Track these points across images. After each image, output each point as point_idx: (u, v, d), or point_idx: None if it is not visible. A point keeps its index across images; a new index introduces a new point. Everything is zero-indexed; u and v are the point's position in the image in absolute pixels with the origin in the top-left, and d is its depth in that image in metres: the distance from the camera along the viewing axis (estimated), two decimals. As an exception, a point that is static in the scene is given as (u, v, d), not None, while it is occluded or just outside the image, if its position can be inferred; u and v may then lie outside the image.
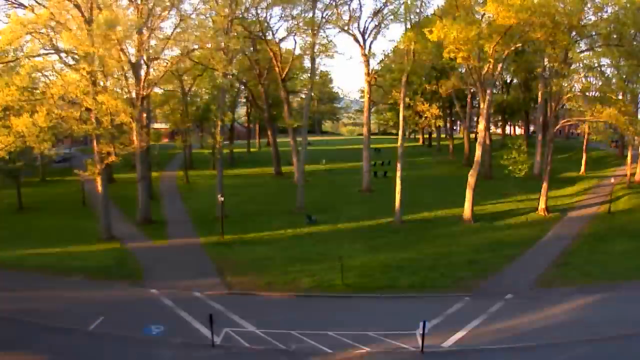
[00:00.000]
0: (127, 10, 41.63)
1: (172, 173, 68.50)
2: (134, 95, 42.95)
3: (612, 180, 49.24)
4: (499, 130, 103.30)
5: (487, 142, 58.31)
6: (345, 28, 50.64)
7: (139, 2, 38.46)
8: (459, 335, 24.99)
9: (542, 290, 30.08)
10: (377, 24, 50.98)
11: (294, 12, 52.73)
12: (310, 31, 47.08)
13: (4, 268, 33.25)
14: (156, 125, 78.27)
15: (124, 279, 31.63)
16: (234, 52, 46.90)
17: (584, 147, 67.29)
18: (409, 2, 41.79)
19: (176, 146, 67.45)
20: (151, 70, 42.67)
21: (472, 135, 77.45)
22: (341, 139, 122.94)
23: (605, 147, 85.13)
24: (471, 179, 43.58)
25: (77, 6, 35.16)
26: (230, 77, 53.96)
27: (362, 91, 72.65)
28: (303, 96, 76.84)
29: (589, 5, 39.44)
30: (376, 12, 49.34)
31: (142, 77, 40.78)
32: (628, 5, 35.47)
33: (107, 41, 34.60)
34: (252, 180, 63.42)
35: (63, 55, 37.12)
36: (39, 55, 37.99)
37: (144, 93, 41.79)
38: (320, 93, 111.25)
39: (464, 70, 57.19)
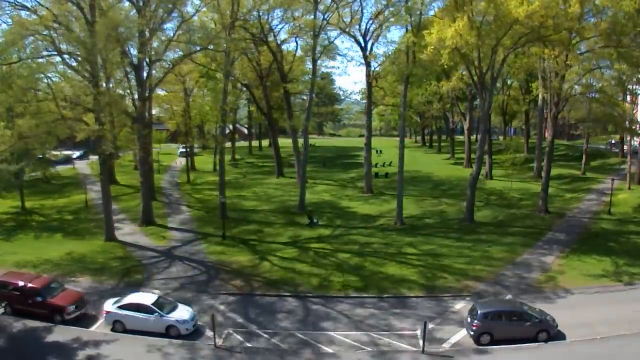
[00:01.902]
0: (129, 11, 41.89)
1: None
2: (136, 96, 43.16)
3: (612, 180, 49.21)
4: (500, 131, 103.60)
5: (487, 143, 58.41)
6: (347, 30, 50.83)
7: (141, 3, 38.63)
8: (459, 335, 25.19)
9: (541, 291, 30.23)
10: (378, 25, 51.24)
11: (295, 14, 52.94)
12: (311, 33, 47.23)
13: (6, 269, 33.40)
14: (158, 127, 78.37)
15: (125, 280, 31.82)
16: (235, 54, 47.05)
17: (584, 148, 67.37)
18: (409, 4, 41.95)
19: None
20: (153, 71, 42.82)
21: (473, 137, 77.64)
22: (342, 140, 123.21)
23: (605, 148, 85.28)
24: (471, 180, 43.70)
25: (80, 8, 35.34)
26: (232, 78, 54.17)
27: (363, 92, 72.76)
28: (304, 97, 76.88)
29: (588, 7, 39.50)
30: (377, 14, 49.54)
31: (144, 79, 40.93)
32: (627, 7, 35.53)
33: (109, 43, 34.74)
34: (254, 182, 63.58)
35: (66, 56, 37.25)
36: (41, 57, 38.28)
37: (146, 94, 41.95)
38: (321, 95, 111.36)
39: (464, 72, 57.32)
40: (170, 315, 25.26)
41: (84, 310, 26.94)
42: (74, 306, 26.30)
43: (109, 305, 25.92)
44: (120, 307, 25.48)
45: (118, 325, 25.29)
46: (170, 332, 24.95)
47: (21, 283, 26.82)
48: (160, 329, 25.01)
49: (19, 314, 26.26)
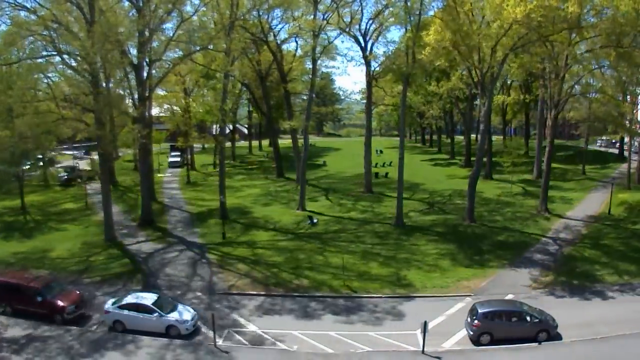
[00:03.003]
0: (129, 11, 41.88)
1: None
2: (136, 96, 43.12)
3: (612, 180, 49.26)
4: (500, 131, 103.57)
5: (487, 143, 58.36)
6: (347, 30, 50.82)
7: (141, 3, 38.62)
8: (459, 335, 25.20)
9: (541, 291, 30.25)
10: (377, 25, 51.22)
11: (295, 14, 52.94)
12: (311, 33, 47.21)
13: (6, 268, 33.42)
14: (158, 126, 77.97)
15: (126, 280, 31.83)
16: (235, 53, 47.01)
17: (584, 148, 67.40)
18: (409, 4, 41.93)
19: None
20: (153, 71, 42.82)
21: (473, 136, 77.58)
22: (342, 140, 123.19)
23: (605, 148, 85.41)
24: (471, 180, 43.67)
25: (79, 8, 35.33)
26: (232, 78, 54.16)
27: (363, 92, 72.74)
28: (304, 97, 76.90)
29: (588, 7, 39.50)
30: (377, 14, 49.52)
31: (144, 79, 40.93)
32: (626, 7, 35.51)
33: (108, 43, 34.74)
34: (254, 182, 63.57)
35: (65, 57, 37.25)
36: (41, 57, 38.28)
37: (146, 94, 41.93)
38: (321, 95, 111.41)
39: (464, 72, 57.41)
40: (170, 315, 25.27)
41: (84, 311, 26.95)
42: (74, 306, 26.30)
43: (109, 305, 25.93)
44: (120, 307, 25.50)
45: (118, 325, 25.30)
46: (170, 331, 24.96)
47: (21, 283, 26.81)
48: (160, 328, 25.03)
49: (19, 314, 26.25)
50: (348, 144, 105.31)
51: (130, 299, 26.04)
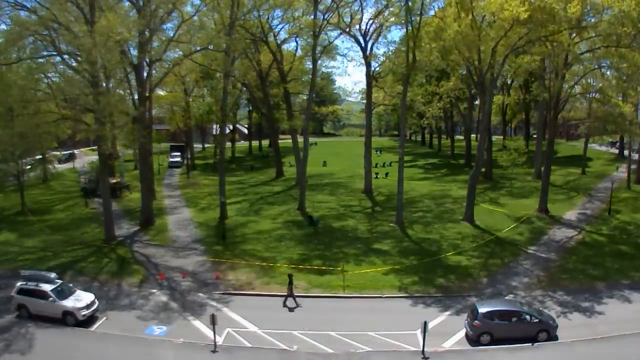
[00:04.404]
0: (129, 11, 41.89)
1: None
2: (136, 96, 43.12)
3: (612, 181, 49.12)
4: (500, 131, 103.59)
5: (487, 143, 58.36)
6: (347, 30, 50.81)
7: (141, 3, 38.64)
8: (459, 335, 25.20)
9: (541, 291, 30.22)
10: (378, 26, 51.23)
11: (296, 14, 52.97)
12: (311, 33, 47.21)
13: (5, 269, 33.47)
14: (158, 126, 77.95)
15: (126, 280, 31.85)
16: (235, 53, 47.04)
17: (584, 148, 67.34)
18: (409, 4, 41.94)
19: None
20: (153, 71, 42.80)
21: (473, 136, 77.59)
22: (342, 140, 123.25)
23: (605, 148, 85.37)
24: (471, 180, 43.64)
25: (80, 8, 35.34)
26: (232, 78, 54.18)
27: (363, 92, 72.72)
28: (304, 97, 76.90)
29: (588, 7, 39.45)
30: (377, 14, 49.51)
31: (144, 79, 40.92)
32: (627, 8, 35.42)
33: (109, 43, 34.73)
34: (254, 182, 63.60)
35: (66, 57, 37.27)
36: (41, 57, 38.30)
37: (146, 94, 41.93)
38: (321, 94, 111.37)
39: (464, 72, 57.47)
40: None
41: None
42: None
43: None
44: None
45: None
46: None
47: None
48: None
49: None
50: (343, 144, 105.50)
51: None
